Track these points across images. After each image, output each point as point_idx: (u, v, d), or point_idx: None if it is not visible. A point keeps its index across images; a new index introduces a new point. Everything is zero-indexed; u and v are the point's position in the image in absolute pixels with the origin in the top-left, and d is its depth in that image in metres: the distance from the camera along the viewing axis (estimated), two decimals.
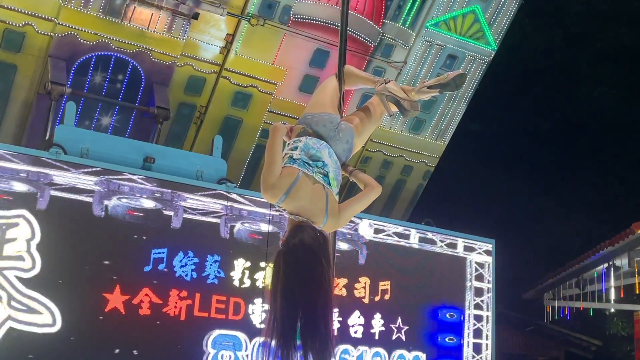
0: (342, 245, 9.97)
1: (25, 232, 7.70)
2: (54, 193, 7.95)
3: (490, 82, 14.04)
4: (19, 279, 7.59)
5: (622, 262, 15.01)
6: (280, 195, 3.61)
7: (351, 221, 10.04)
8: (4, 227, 7.58)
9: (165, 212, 8.64)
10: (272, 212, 9.25)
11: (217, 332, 8.71)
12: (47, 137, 9.59)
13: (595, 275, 16.47)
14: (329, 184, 3.68)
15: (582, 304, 17.07)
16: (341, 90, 4.10)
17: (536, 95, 18.64)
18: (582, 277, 16.94)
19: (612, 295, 15.78)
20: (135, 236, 8.42)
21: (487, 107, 15.98)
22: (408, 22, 12.69)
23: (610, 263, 15.66)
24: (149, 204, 8.56)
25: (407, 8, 12.56)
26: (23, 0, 10.09)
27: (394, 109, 3.99)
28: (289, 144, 3.80)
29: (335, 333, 3.60)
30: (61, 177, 8.02)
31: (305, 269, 3.42)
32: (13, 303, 7.53)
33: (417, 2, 12.60)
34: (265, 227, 9.21)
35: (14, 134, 10.97)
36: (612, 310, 17.00)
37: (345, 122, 3.94)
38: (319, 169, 3.66)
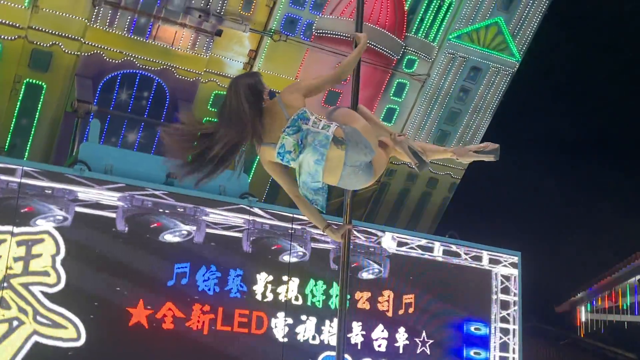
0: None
1: (50, 247, 7.85)
2: (78, 209, 8.10)
3: (515, 94, 13.93)
4: (44, 294, 7.74)
5: None
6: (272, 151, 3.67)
7: (374, 234, 10.03)
8: (29, 243, 7.74)
9: (188, 227, 8.73)
10: (294, 226, 9.29)
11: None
12: (72, 154, 9.78)
13: (628, 288, 16.21)
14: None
15: (615, 316, 16.79)
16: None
17: (563, 106, 18.46)
18: (615, 289, 16.67)
19: None
20: (158, 251, 8.52)
21: (513, 118, 15.87)
22: (431, 35, 12.69)
23: None
24: (171, 219, 8.65)
25: (430, 21, 12.57)
26: (50, 21, 10.33)
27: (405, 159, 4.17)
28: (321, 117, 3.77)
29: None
30: (85, 193, 8.17)
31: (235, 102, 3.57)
32: (39, 318, 7.67)
33: (440, 15, 12.60)
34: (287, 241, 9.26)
35: (43, 151, 11.20)
36: None
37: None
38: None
